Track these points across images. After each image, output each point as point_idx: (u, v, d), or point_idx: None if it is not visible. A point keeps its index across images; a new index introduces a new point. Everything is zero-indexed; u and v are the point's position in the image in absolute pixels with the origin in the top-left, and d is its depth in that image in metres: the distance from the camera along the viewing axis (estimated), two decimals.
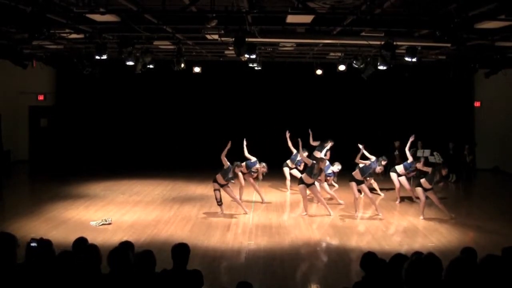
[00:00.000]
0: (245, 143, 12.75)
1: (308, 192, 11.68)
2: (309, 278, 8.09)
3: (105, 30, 10.21)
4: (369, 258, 4.67)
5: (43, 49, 13.59)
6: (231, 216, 11.47)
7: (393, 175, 13.43)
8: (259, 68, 15.65)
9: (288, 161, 14.10)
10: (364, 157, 12.44)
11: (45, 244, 4.68)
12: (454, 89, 18.24)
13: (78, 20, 9.13)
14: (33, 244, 4.63)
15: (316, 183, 12.10)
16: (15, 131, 18.79)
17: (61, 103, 19.18)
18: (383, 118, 18.19)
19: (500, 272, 3.39)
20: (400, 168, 13.32)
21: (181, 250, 4.80)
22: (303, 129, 14.05)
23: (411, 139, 12.74)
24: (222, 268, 8.26)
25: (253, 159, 12.85)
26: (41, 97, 19.33)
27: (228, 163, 11.37)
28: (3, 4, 7.52)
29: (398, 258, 4.50)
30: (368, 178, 12.45)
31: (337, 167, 13.43)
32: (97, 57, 11.13)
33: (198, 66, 16.34)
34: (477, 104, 19.03)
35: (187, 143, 18.52)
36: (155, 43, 12.21)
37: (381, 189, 14.24)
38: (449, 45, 9.98)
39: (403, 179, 13.30)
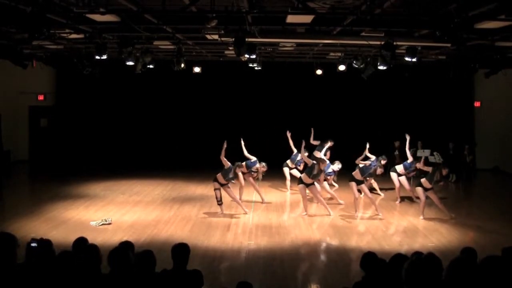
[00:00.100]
0: (242, 143, 12.74)
1: (308, 192, 11.68)
2: (309, 278, 8.09)
3: (105, 30, 10.21)
4: (369, 258, 4.67)
5: (43, 49, 13.59)
6: (231, 216, 11.47)
7: (393, 175, 13.43)
8: (259, 68, 15.64)
9: (288, 161, 14.10)
10: (365, 157, 12.47)
11: (45, 244, 4.68)
12: (454, 89, 18.24)
13: (78, 20, 9.13)
14: (33, 244, 4.63)
15: (316, 183, 12.09)
16: (15, 131, 18.79)
17: (61, 103, 19.18)
18: (383, 118, 18.19)
19: (500, 272, 3.38)
20: (400, 168, 13.32)
21: (181, 250, 4.80)
22: (303, 129, 14.05)
23: (408, 139, 12.77)
24: (222, 268, 8.26)
25: (253, 158, 12.85)
26: (41, 97, 19.33)
27: (229, 163, 11.38)
28: (3, 4, 7.52)
29: (398, 258, 4.50)
30: (368, 178, 12.45)
31: (337, 166, 13.44)
32: (97, 57, 11.13)
33: (198, 66, 16.33)
34: (477, 104, 19.03)
35: (187, 143, 18.52)
36: (155, 43, 12.21)
37: (381, 189, 14.24)
38: (449, 45, 9.98)
39: (403, 179, 13.30)
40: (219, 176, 11.35)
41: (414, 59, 10.24)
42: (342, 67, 14.97)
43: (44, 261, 4.51)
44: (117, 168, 17.42)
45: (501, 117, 18.15)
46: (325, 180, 13.18)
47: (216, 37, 10.27)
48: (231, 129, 16.88)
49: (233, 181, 12.04)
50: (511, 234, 10.17)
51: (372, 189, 13.43)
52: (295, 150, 13.76)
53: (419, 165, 12.33)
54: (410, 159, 12.93)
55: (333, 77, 16.51)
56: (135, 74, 12.99)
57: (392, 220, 11.54)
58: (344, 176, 13.19)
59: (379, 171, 12.47)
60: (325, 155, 13.83)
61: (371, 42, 10.18)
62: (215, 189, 11.39)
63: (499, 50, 11.67)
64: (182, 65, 13.01)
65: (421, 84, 17.84)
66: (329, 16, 8.62)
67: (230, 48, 11.82)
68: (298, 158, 13.61)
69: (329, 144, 14.13)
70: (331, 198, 13.10)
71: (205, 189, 14.17)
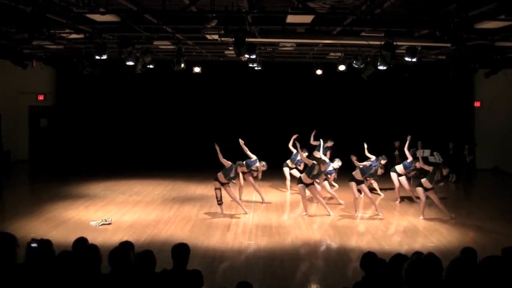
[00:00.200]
0: (241, 142, 12.65)
1: (307, 192, 11.68)
2: (309, 278, 8.08)
3: (105, 30, 10.21)
4: (369, 258, 4.67)
5: (43, 49, 13.59)
6: (231, 216, 11.47)
7: (393, 175, 13.43)
8: (259, 68, 15.65)
9: (288, 161, 14.11)
10: (365, 157, 12.46)
11: (45, 244, 4.68)
12: (454, 89, 18.24)
13: (78, 20, 9.13)
14: (33, 245, 4.63)
15: (316, 183, 12.08)
16: (15, 131, 18.79)
17: (61, 103, 19.18)
18: (383, 118, 18.19)
19: (500, 272, 3.38)
20: (400, 167, 13.32)
21: (181, 250, 4.80)
22: (303, 129, 14.06)
23: (409, 139, 12.78)
24: (222, 268, 8.26)
25: (253, 157, 12.86)
26: (41, 97, 19.33)
27: (230, 163, 11.38)
28: (3, 4, 7.52)
29: (398, 258, 4.50)
30: (368, 178, 12.45)
31: (337, 163, 13.41)
32: (97, 57, 11.13)
33: (198, 66, 16.33)
34: (477, 104, 19.03)
35: (187, 143, 18.51)
36: (155, 43, 12.21)
37: (381, 189, 14.24)
38: (449, 45, 9.98)
39: (403, 179, 13.30)
40: (220, 175, 11.35)
41: (414, 59, 10.23)
42: (342, 67, 14.97)
43: (44, 261, 4.51)
44: (117, 168, 17.42)
45: (501, 117, 18.15)
46: (326, 179, 13.18)
47: (216, 37, 10.27)
48: (231, 129, 16.91)
49: (233, 180, 12.04)
50: (511, 234, 10.17)
51: (372, 189, 13.43)
52: (294, 150, 13.76)
53: (419, 165, 12.32)
54: (409, 158, 12.93)
55: (333, 77, 16.51)
56: (135, 74, 12.99)
57: (392, 220, 11.54)
58: (344, 176, 13.18)
59: (380, 171, 12.46)
60: (325, 155, 13.83)
61: (371, 42, 10.18)
62: (215, 189, 11.38)
63: (499, 50, 11.67)
64: (182, 65, 13.01)
65: (421, 84, 17.84)
66: (329, 16, 8.61)
67: (230, 48, 11.82)
68: (298, 158, 13.60)
69: (329, 144, 14.13)
70: (331, 198, 13.11)
71: (205, 189, 14.17)
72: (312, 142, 14.32)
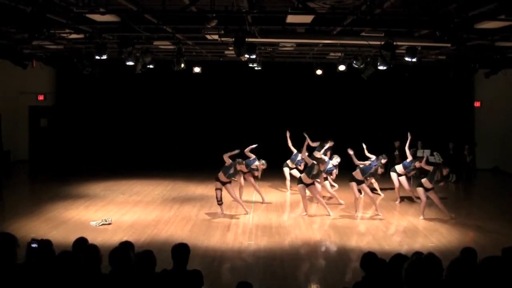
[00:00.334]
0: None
1: (307, 192, 11.68)
2: (309, 278, 8.08)
3: (105, 30, 10.21)
4: (369, 258, 4.67)
5: (43, 49, 13.59)
6: (231, 216, 11.47)
7: (393, 175, 13.43)
8: (259, 68, 15.65)
9: (288, 161, 14.11)
10: (365, 157, 12.45)
11: (45, 244, 4.68)
12: (454, 89, 18.24)
13: (78, 20, 9.13)
14: (33, 245, 4.62)
15: (316, 183, 12.08)
16: (15, 131, 18.79)
17: (61, 103, 19.18)
18: (383, 118, 18.19)
19: (500, 272, 3.38)
20: (399, 167, 13.31)
21: (181, 250, 4.80)
22: (303, 129, 14.02)
23: (409, 138, 12.78)
24: (222, 268, 8.26)
25: (252, 156, 12.88)
26: (41, 97, 19.33)
27: (230, 161, 11.41)
28: (3, 4, 7.52)
29: (398, 258, 4.50)
30: (368, 178, 12.45)
31: (336, 160, 13.42)
32: (97, 57, 11.12)
33: (198, 66, 16.33)
34: (477, 104, 19.03)
35: (187, 143, 18.52)
36: (155, 43, 12.21)
37: (381, 189, 14.24)
38: (449, 45, 9.98)
39: (403, 179, 13.29)
40: (221, 174, 11.35)
41: (414, 59, 10.23)
42: (342, 67, 14.97)
43: (44, 261, 4.51)
44: (117, 168, 17.42)
45: (501, 117, 18.15)
46: (326, 178, 13.18)
47: (216, 37, 10.27)
48: (231, 129, 16.93)
49: (234, 178, 12.04)
50: (511, 234, 10.17)
51: (372, 189, 13.42)
52: (294, 150, 13.78)
53: (419, 164, 12.32)
54: (409, 158, 12.92)
55: (333, 77, 16.51)
56: (135, 74, 12.98)
57: (392, 220, 11.54)
58: (344, 176, 13.18)
59: (380, 170, 12.44)
60: (325, 155, 13.82)
61: (371, 42, 10.18)
62: (216, 189, 11.38)
63: (499, 50, 11.67)
64: (182, 65, 13.01)
65: (421, 84, 17.84)
66: (329, 16, 8.62)
67: (230, 48, 11.82)
68: (298, 158, 13.62)
69: (329, 144, 14.12)
70: (330, 198, 13.11)
71: (205, 189, 14.17)
72: (312, 144, 14.30)
